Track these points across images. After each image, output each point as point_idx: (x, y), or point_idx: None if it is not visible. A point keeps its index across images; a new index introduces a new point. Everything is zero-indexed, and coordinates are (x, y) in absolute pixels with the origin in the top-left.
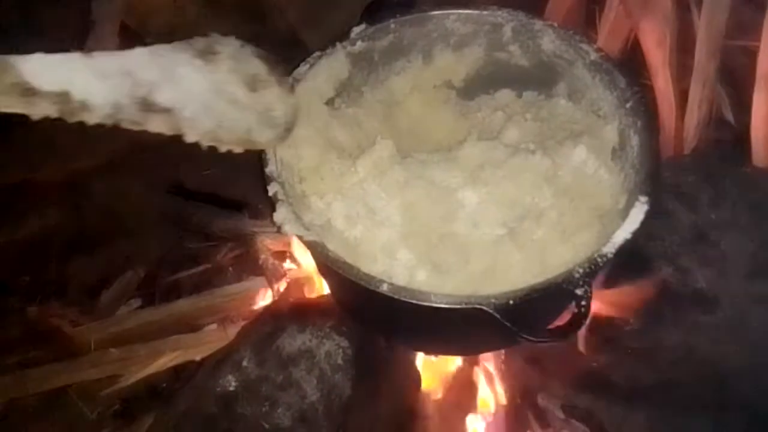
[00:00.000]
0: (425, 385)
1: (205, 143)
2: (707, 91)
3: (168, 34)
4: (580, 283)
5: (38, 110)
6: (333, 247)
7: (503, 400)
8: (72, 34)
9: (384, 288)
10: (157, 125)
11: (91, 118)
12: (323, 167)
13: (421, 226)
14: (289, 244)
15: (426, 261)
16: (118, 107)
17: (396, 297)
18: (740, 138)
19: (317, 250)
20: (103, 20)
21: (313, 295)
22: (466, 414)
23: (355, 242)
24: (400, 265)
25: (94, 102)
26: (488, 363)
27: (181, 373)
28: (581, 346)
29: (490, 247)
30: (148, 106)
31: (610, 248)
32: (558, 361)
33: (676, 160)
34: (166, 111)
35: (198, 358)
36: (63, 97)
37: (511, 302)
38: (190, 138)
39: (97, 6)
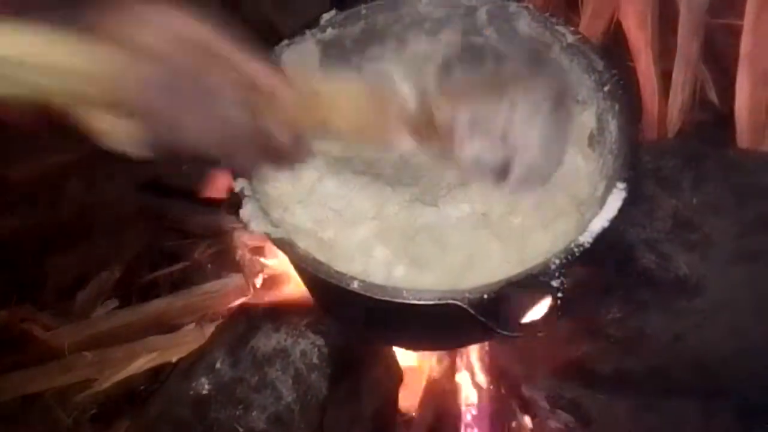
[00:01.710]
0: (407, 380)
1: None
2: (691, 71)
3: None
4: (556, 274)
5: None
6: (307, 246)
7: (487, 392)
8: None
9: (355, 285)
10: None
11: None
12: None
13: (395, 220)
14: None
15: (403, 256)
16: None
17: (367, 294)
18: (725, 119)
19: (286, 248)
20: None
21: (292, 292)
22: (449, 408)
23: (330, 243)
24: (377, 263)
25: None
26: (471, 355)
27: (159, 375)
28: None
29: (468, 237)
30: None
31: (586, 237)
32: (542, 351)
33: (657, 143)
34: None
35: (175, 359)
36: None
37: (485, 297)
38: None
39: None
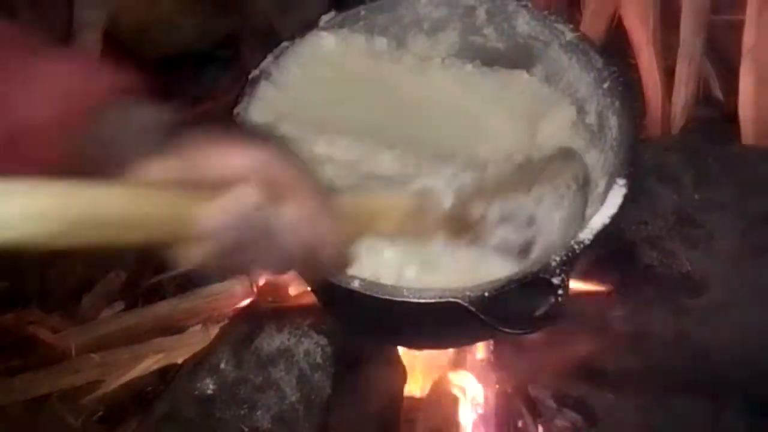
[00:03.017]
0: (411, 380)
1: None
2: (694, 68)
3: (140, 31)
4: (557, 272)
5: None
6: None
7: (493, 391)
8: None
9: (355, 284)
10: None
11: None
12: None
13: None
14: None
15: (415, 256)
16: None
17: (368, 293)
18: (729, 115)
19: None
20: (86, 28)
21: (295, 293)
22: (455, 407)
23: None
24: (387, 265)
25: None
26: (477, 354)
27: (165, 376)
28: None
29: None
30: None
31: (587, 234)
32: (548, 349)
33: (659, 140)
34: None
35: (181, 360)
36: None
37: (486, 294)
38: None
39: (80, 13)
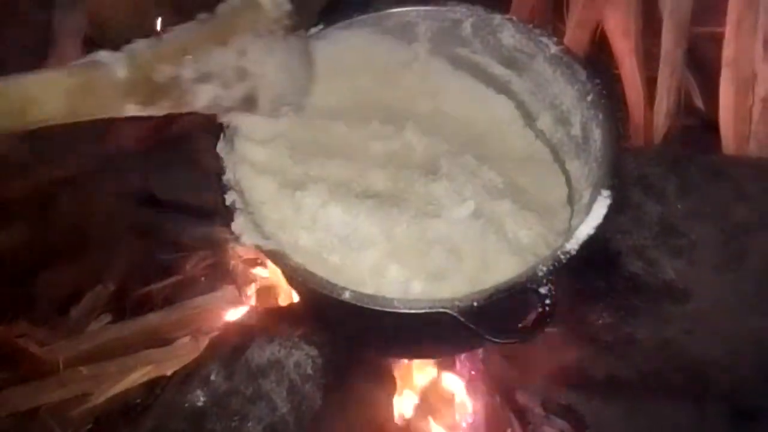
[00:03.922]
0: (401, 389)
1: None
2: (675, 78)
3: (128, 42)
4: (544, 281)
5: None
6: (315, 270)
7: (482, 400)
8: (31, 51)
9: (346, 295)
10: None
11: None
12: (278, 200)
13: (406, 238)
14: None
15: (420, 271)
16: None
17: (359, 304)
18: (711, 125)
19: (278, 260)
20: (66, 36)
21: (285, 303)
22: (444, 416)
23: (338, 267)
24: (391, 283)
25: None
26: (466, 363)
27: (154, 388)
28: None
29: (479, 242)
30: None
31: (573, 244)
32: (536, 358)
33: (643, 150)
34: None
35: (170, 372)
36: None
37: (474, 304)
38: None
39: (59, 20)
